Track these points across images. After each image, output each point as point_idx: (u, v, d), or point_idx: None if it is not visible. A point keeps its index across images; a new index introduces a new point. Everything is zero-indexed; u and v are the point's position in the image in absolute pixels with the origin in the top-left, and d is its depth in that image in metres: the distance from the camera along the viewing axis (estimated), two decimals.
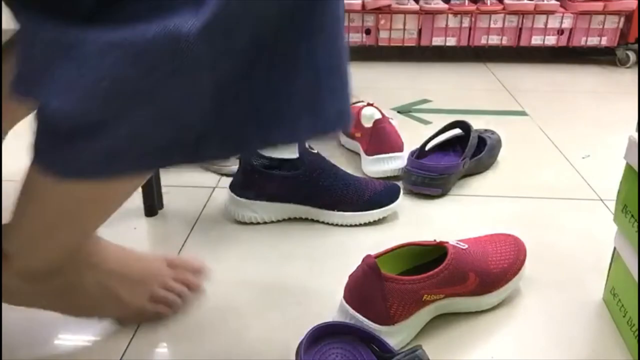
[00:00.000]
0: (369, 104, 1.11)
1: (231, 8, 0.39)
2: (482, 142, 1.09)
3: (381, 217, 0.90)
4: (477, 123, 1.13)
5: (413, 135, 1.17)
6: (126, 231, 0.86)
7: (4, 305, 0.64)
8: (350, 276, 0.65)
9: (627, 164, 0.63)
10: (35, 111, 0.42)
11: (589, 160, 1.14)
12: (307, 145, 0.87)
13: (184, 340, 0.64)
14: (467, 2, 1.85)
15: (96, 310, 0.65)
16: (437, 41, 1.84)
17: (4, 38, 0.52)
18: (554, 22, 1.81)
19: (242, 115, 0.43)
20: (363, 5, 1.78)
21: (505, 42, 1.84)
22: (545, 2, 1.81)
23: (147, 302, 0.66)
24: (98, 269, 0.63)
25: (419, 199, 0.98)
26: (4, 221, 0.58)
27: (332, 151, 1.15)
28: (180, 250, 0.82)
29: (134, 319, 0.66)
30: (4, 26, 0.46)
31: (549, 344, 0.65)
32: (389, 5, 1.79)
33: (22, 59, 0.42)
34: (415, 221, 0.91)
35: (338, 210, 0.88)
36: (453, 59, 1.93)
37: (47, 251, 0.60)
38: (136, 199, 0.90)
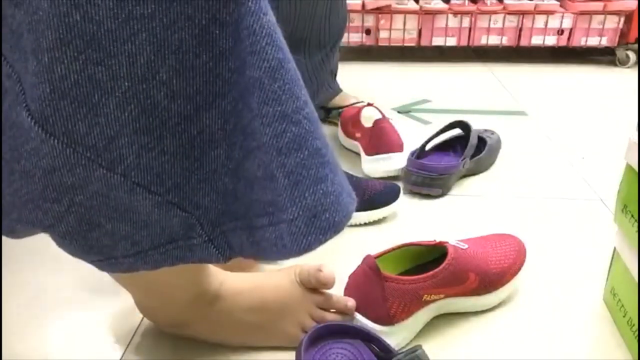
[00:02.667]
0: (369, 104, 1.11)
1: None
2: (482, 142, 1.09)
3: (381, 217, 0.90)
4: (477, 123, 1.13)
5: (413, 135, 1.17)
6: None
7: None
8: (350, 276, 0.65)
9: (627, 164, 0.63)
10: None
11: (589, 160, 1.14)
12: None
13: (184, 339, 0.64)
14: (467, 2, 1.85)
15: (249, 342, 0.63)
16: (437, 41, 1.84)
17: None
18: (554, 22, 1.81)
19: None
20: (363, 5, 1.77)
21: (505, 42, 1.84)
22: (545, 2, 1.81)
23: (299, 331, 0.62)
24: (234, 308, 0.61)
25: (419, 199, 0.97)
26: None
27: None
28: None
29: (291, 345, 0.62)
30: None
31: (549, 343, 0.65)
32: (389, 5, 1.79)
33: None
34: (415, 221, 0.91)
35: None
36: (453, 59, 1.93)
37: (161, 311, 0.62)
38: None
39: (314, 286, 0.64)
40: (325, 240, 0.42)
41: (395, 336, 0.62)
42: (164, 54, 0.35)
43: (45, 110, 0.35)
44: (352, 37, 1.82)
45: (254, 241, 0.42)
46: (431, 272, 0.62)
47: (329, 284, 0.63)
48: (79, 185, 0.38)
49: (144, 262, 0.43)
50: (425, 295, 0.62)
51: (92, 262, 0.44)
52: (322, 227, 0.41)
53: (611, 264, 0.70)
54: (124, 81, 0.35)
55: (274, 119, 0.38)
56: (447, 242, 0.66)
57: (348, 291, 0.64)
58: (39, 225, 0.42)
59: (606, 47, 1.86)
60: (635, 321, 0.61)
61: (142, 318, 0.68)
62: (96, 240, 0.42)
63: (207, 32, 0.35)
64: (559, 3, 1.82)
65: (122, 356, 0.63)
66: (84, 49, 0.34)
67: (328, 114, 1.29)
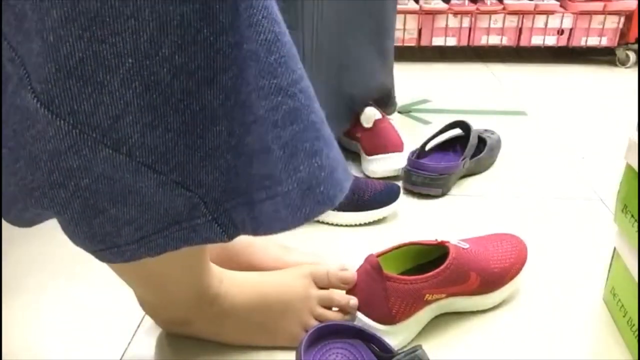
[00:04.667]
0: (369, 104, 1.10)
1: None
2: (482, 142, 1.09)
3: (381, 217, 0.90)
4: (477, 123, 1.13)
5: (413, 135, 1.17)
6: None
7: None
8: None
9: (627, 164, 0.63)
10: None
11: (589, 160, 1.14)
12: None
13: (184, 339, 0.64)
14: (467, 2, 1.85)
15: (250, 341, 0.63)
16: (437, 41, 1.84)
17: None
18: (554, 22, 1.81)
19: None
20: None
21: (505, 42, 1.84)
22: (545, 2, 1.81)
23: (301, 330, 0.62)
24: (235, 308, 0.61)
25: (419, 199, 0.98)
26: None
27: None
28: None
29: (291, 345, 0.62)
30: None
31: (549, 343, 0.65)
32: None
33: None
34: (415, 221, 0.91)
35: (338, 210, 0.88)
36: (453, 59, 1.93)
37: (164, 308, 0.62)
38: None
39: (334, 285, 0.64)
40: (321, 213, 0.42)
41: (397, 335, 0.62)
42: (166, 30, 0.35)
43: (51, 91, 0.35)
44: None
45: (253, 216, 0.43)
46: (433, 272, 0.62)
47: (352, 283, 0.63)
48: (84, 168, 0.38)
49: (147, 248, 0.43)
50: (427, 295, 0.62)
51: (94, 252, 0.44)
52: (316, 200, 0.41)
53: (611, 264, 0.70)
54: (128, 58, 0.35)
55: (269, 92, 0.38)
56: (448, 242, 0.66)
57: (350, 290, 0.64)
58: (45, 213, 0.42)
59: (606, 47, 1.86)
60: (635, 321, 0.61)
61: (142, 318, 0.68)
62: (100, 227, 0.42)
63: (208, 6, 0.35)
64: (559, 3, 1.82)
65: (122, 356, 0.63)
66: (88, 26, 0.34)
67: None
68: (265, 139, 0.40)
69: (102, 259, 0.45)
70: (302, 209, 0.41)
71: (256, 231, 0.44)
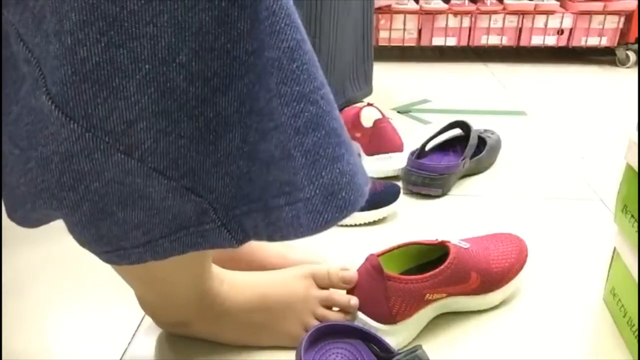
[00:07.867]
0: (369, 104, 1.10)
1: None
2: (482, 142, 1.09)
3: (381, 217, 0.90)
4: (477, 123, 1.13)
5: (413, 135, 1.17)
6: None
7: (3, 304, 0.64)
8: None
9: (627, 164, 0.63)
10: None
11: (589, 160, 1.14)
12: None
13: (184, 339, 0.64)
14: (467, 2, 1.85)
15: (250, 342, 0.63)
16: (437, 41, 1.84)
17: None
18: (554, 22, 1.81)
19: None
20: None
21: (505, 42, 1.84)
22: (545, 2, 1.81)
23: (301, 331, 0.62)
24: (235, 309, 0.61)
25: (419, 199, 0.98)
26: None
27: None
28: None
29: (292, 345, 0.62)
30: None
31: (549, 343, 0.65)
32: (389, 5, 1.79)
33: None
34: (415, 221, 0.91)
35: None
36: (453, 59, 1.93)
37: (165, 310, 0.62)
38: None
39: (334, 285, 0.64)
40: (341, 219, 0.42)
41: (398, 335, 0.62)
42: (184, 37, 0.35)
43: (66, 94, 0.35)
44: None
45: (269, 222, 0.42)
46: (433, 272, 0.62)
47: (352, 283, 0.63)
48: (95, 172, 0.38)
49: (153, 252, 0.43)
50: (428, 295, 0.62)
51: (99, 253, 0.44)
52: (338, 205, 0.41)
53: (611, 264, 0.70)
54: (144, 64, 0.35)
55: (292, 98, 0.38)
56: (449, 242, 0.66)
57: (350, 290, 0.64)
58: (53, 215, 0.42)
59: (606, 47, 1.86)
60: (635, 321, 0.61)
61: (142, 318, 0.68)
62: (107, 230, 0.42)
63: (227, 14, 0.35)
64: (559, 3, 1.82)
65: (122, 356, 0.63)
66: (106, 31, 0.34)
67: None
68: (287, 146, 0.39)
69: (107, 260, 0.45)
70: (324, 215, 0.41)
71: (272, 237, 0.43)
